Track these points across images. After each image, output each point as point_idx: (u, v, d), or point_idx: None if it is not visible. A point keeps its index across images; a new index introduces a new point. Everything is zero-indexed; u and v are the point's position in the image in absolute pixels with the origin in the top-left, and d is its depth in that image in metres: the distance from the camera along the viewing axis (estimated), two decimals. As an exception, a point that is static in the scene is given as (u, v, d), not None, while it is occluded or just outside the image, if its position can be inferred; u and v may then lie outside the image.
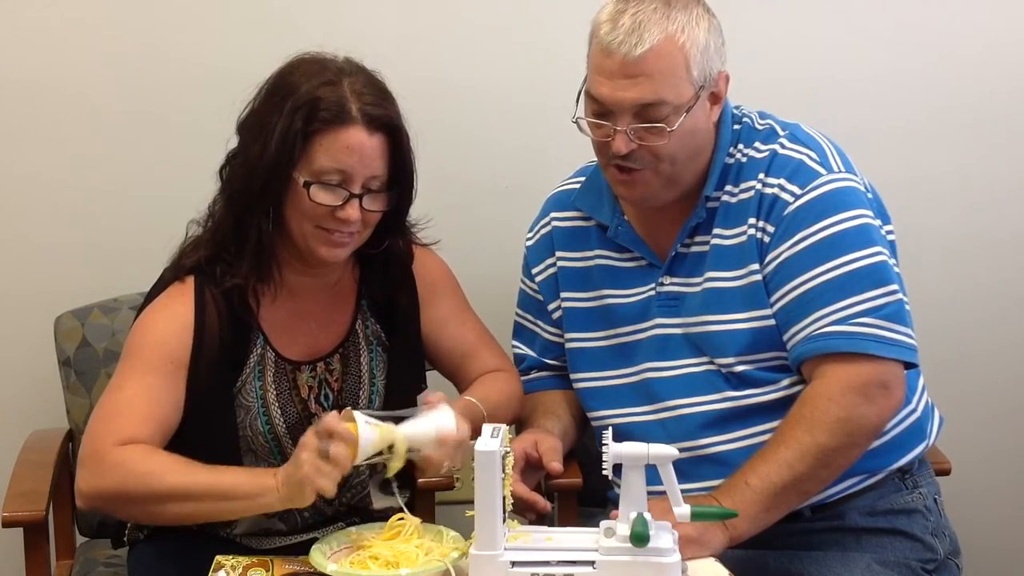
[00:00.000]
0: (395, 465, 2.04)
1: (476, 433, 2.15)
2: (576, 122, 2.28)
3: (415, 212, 2.34)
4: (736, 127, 2.33)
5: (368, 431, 2.00)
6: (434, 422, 2.06)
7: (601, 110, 2.23)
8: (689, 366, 2.32)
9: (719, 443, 2.29)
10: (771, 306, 2.25)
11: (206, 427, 2.20)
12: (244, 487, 2.07)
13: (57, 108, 2.85)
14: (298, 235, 2.20)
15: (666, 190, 2.28)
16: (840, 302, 2.20)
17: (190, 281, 2.23)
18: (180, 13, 2.87)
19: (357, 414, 2.01)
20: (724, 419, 2.29)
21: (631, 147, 2.21)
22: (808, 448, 2.15)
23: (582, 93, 2.27)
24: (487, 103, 2.96)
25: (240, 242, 2.21)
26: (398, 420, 2.06)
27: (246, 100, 2.22)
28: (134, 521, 2.34)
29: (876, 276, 2.22)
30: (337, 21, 2.86)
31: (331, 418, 2.00)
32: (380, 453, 2.03)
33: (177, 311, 2.21)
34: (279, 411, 2.26)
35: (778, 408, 2.24)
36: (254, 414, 2.24)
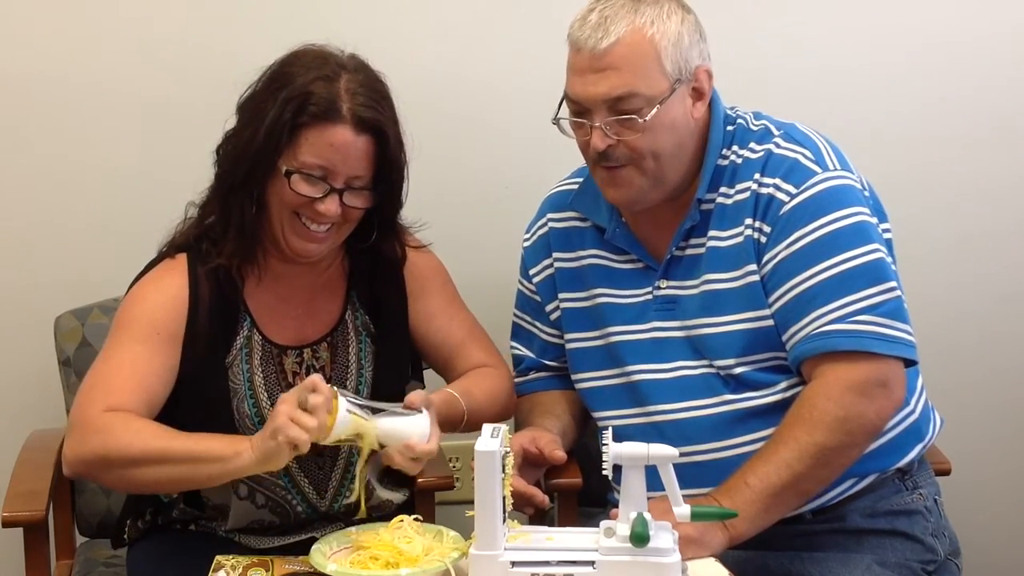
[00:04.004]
0: (365, 451, 2.08)
1: (450, 426, 2.20)
2: (557, 124, 2.30)
3: (411, 214, 2.34)
4: (730, 128, 2.33)
5: (344, 416, 2.02)
6: (408, 428, 2.09)
7: (578, 109, 2.25)
8: (685, 368, 2.32)
9: (718, 449, 2.28)
10: (769, 306, 2.25)
11: (200, 401, 2.21)
12: (218, 449, 2.09)
13: (57, 108, 2.85)
14: (276, 223, 2.23)
15: (653, 190, 2.28)
16: (838, 300, 2.20)
17: (182, 258, 2.27)
18: (187, 12, 2.87)
19: (341, 398, 2.03)
20: (723, 423, 2.28)
21: (608, 143, 2.22)
22: (807, 448, 2.15)
23: (563, 100, 2.29)
24: (488, 103, 2.96)
25: (225, 222, 2.24)
26: (377, 411, 2.09)
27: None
28: (114, 487, 2.36)
29: (874, 273, 2.22)
30: (342, 18, 2.85)
31: (316, 376, 2.03)
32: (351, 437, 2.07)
33: (168, 284, 2.25)
34: (266, 395, 2.27)
35: (776, 412, 2.24)
36: (241, 396, 2.26)
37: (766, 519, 2.15)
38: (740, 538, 2.13)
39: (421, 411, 2.11)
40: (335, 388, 2.05)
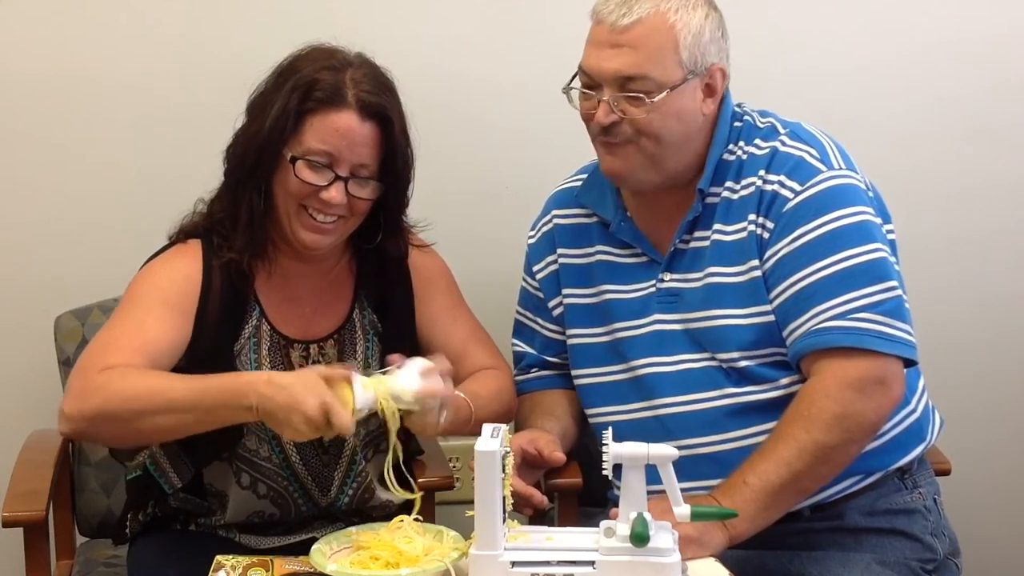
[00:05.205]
0: (392, 407, 2.06)
1: (457, 429, 2.21)
2: (568, 93, 2.31)
3: (415, 213, 2.35)
4: (737, 124, 2.34)
5: (366, 397, 2.02)
6: (406, 378, 2.08)
7: (589, 82, 2.27)
8: (688, 361, 2.32)
9: (718, 442, 2.29)
10: (770, 302, 2.26)
11: None
12: (223, 397, 2.06)
13: (57, 108, 2.85)
14: (283, 216, 2.24)
15: (649, 171, 2.28)
16: (839, 297, 2.20)
17: (194, 243, 2.28)
18: (188, 13, 2.87)
19: (355, 377, 2.03)
20: (724, 417, 2.28)
21: (612, 118, 2.24)
22: (806, 446, 2.15)
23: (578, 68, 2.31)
24: (490, 102, 2.96)
25: (234, 218, 2.25)
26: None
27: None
28: (116, 441, 2.32)
29: (875, 272, 2.22)
30: (346, 18, 2.85)
31: (339, 416, 1.99)
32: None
33: (180, 263, 2.26)
34: None
35: (778, 407, 2.24)
36: None
37: (766, 518, 2.16)
38: (740, 537, 2.13)
39: (403, 363, 2.10)
40: (347, 371, 2.04)
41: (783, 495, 2.16)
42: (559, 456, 2.32)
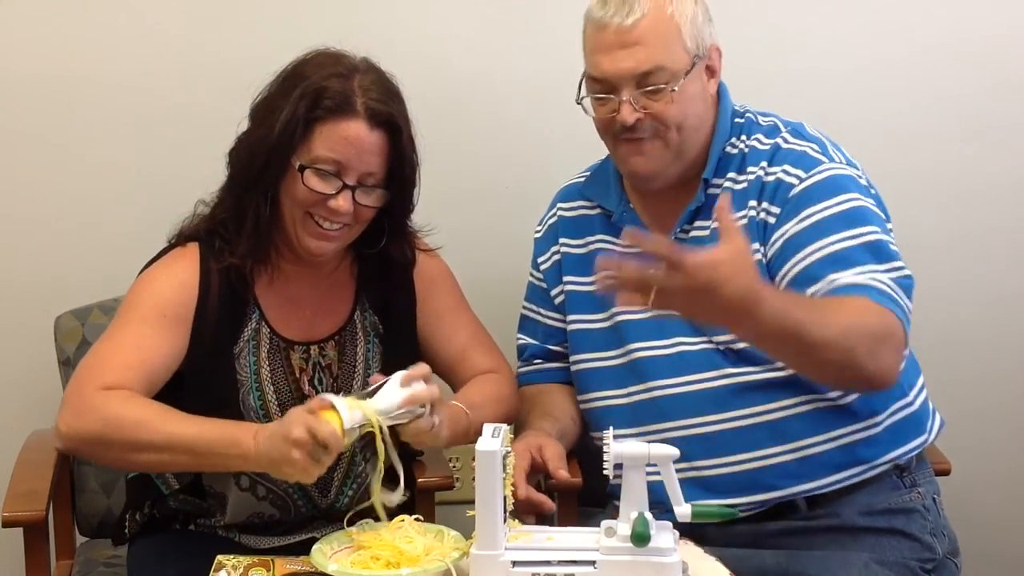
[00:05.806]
0: (380, 444, 2.05)
1: (463, 440, 2.20)
2: (580, 104, 2.32)
3: (418, 217, 2.35)
4: (739, 120, 2.38)
5: (349, 414, 2.01)
6: (389, 382, 2.07)
7: (603, 88, 2.29)
8: (684, 344, 2.33)
9: (713, 422, 2.29)
10: (776, 283, 2.26)
11: (207, 391, 2.21)
12: (220, 446, 2.08)
13: (57, 107, 2.85)
14: (289, 222, 2.24)
15: (674, 163, 2.32)
16: (853, 268, 2.19)
17: (193, 247, 2.28)
18: (191, 13, 2.87)
19: (335, 400, 2.02)
20: (722, 396, 2.29)
21: (636, 116, 2.26)
22: (853, 323, 2.10)
23: (582, 82, 2.32)
24: (490, 102, 2.96)
25: (238, 223, 2.24)
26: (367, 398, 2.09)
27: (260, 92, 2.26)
28: (109, 466, 2.35)
29: (886, 251, 2.23)
30: (344, 18, 2.85)
31: (325, 429, 1.99)
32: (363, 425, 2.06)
33: (178, 269, 2.26)
34: (272, 388, 2.27)
35: (776, 386, 2.25)
36: (247, 389, 2.27)
37: (780, 329, 2.07)
38: (751, 316, 2.02)
39: (383, 381, 2.10)
40: (326, 398, 2.03)
41: (809, 328, 2.06)
42: (563, 475, 2.31)
